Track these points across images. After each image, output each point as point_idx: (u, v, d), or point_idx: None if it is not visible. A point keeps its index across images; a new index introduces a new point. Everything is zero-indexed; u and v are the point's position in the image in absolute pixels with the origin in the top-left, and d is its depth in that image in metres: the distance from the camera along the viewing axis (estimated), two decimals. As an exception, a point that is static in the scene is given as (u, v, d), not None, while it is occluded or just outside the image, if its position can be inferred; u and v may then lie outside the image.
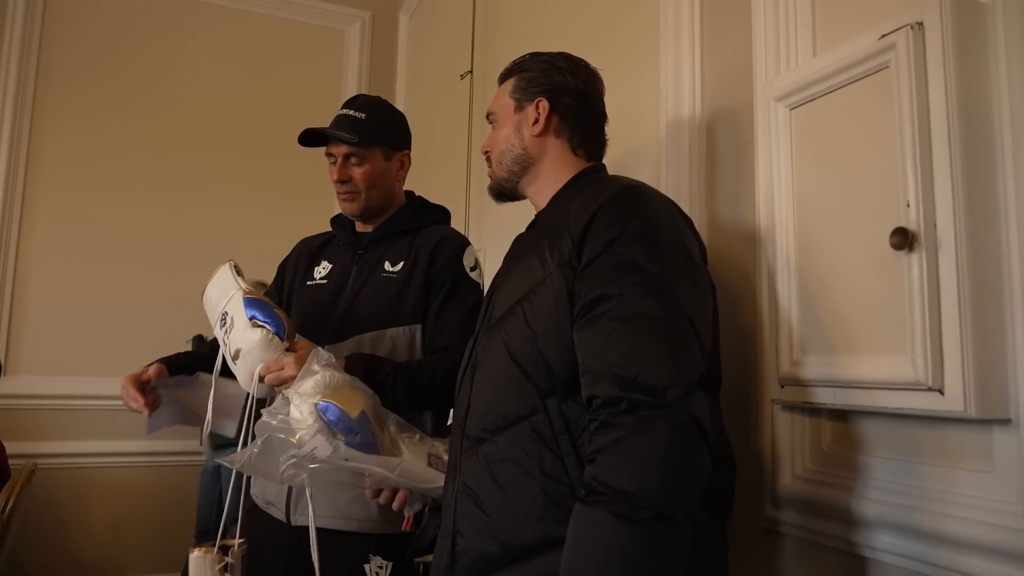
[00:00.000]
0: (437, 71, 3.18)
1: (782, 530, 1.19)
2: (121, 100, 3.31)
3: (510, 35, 2.47)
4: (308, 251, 1.72)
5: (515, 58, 1.25)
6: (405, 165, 1.68)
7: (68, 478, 3.05)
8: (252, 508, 1.52)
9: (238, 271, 1.41)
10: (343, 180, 1.57)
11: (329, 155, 1.60)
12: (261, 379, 1.26)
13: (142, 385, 1.42)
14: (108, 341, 3.17)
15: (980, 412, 0.87)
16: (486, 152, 1.26)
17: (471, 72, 2.72)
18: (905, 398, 0.95)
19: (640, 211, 1.00)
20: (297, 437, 1.05)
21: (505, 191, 1.23)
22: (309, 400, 1.08)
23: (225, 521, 1.33)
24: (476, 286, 1.56)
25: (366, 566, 1.36)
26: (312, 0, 3.63)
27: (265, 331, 1.26)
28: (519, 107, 1.20)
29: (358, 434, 1.08)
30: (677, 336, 0.90)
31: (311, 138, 1.58)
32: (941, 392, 0.90)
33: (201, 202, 3.38)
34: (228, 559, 1.18)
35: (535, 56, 1.23)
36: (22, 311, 3.10)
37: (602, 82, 1.25)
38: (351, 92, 3.54)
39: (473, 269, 1.57)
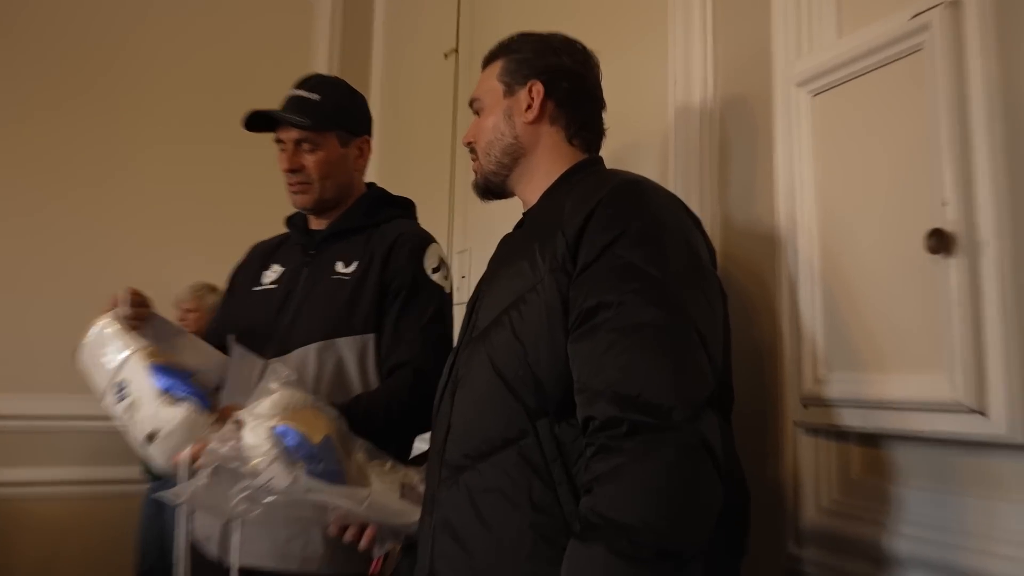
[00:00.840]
0: (418, 49, 3.18)
1: (805, 569, 1.18)
2: (49, 72, 3.24)
3: (501, 9, 2.47)
4: (259, 255, 1.72)
5: (502, 38, 1.25)
6: (365, 152, 1.67)
7: (-10, 511, 3.02)
8: (194, 548, 1.50)
9: (126, 324, 1.32)
10: (294, 169, 1.56)
11: (278, 141, 1.59)
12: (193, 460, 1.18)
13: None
14: (27, 351, 3.12)
15: (1029, 437, 0.87)
16: (469, 143, 1.26)
17: (456, 51, 2.72)
18: (942, 421, 0.96)
19: (642, 209, 1.00)
20: (251, 466, 1.05)
21: (492, 186, 1.24)
22: (265, 423, 1.08)
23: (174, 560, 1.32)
24: (439, 290, 1.56)
25: None
26: (276, -35, 3.63)
27: (187, 407, 1.19)
28: (509, 91, 1.20)
29: (321, 462, 1.07)
30: (684, 349, 0.91)
31: (259, 122, 1.58)
32: (983, 414, 0.91)
33: (148, 195, 3.34)
34: None
35: (525, 36, 1.24)
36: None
37: (599, 66, 1.25)
38: (321, 70, 3.53)
39: (436, 270, 1.57)
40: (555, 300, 0.98)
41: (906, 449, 1.06)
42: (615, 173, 1.12)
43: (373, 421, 1.35)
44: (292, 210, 1.71)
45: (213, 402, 1.24)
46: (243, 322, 1.61)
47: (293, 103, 1.56)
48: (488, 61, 1.26)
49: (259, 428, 1.08)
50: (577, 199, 1.04)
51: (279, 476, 1.04)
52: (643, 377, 0.88)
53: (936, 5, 0.98)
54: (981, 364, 0.91)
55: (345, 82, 1.69)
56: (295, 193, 1.59)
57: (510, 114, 1.19)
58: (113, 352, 1.27)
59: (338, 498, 1.08)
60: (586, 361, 0.92)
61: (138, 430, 1.21)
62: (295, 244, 1.67)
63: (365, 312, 1.50)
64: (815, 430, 1.18)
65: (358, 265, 1.54)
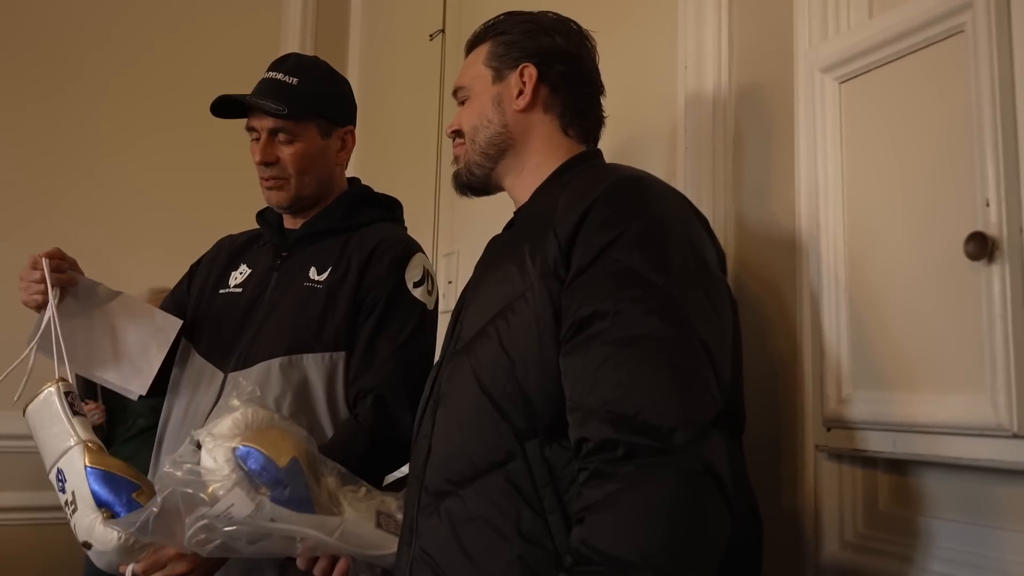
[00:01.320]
0: (400, 29, 3.18)
1: (826, 611, 1.17)
2: (7, 74, 3.22)
3: (493, -20, 2.46)
4: (227, 251, 1.69)
5: (487, 20, 1.24)
6: (348, 144, 1.65)
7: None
8: None
9: (71, 404, 1.31)
10: (268, 162, 1.52)
11: (250, 130, 1.56)
12: None
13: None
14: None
15: (1081, 465, 0.86)
16: (456, 131, 1.24)
17: (443, 31, 2.72)
18: (982, 446, 0.94)
19: (643, 208, 0.99)
20: (210, 492, 1.03)
21: (475, 180, 1.23)
22: (225, 444, 1.07)
23: None
24: (419, 307, 1.53)
25: None
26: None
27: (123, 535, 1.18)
28: (498, 76, 1.19)
29: (287, 487, 1.06)
30: (687, 364, 0.90)
31: (227, 107, 1.54)
32: (1030, 440, 0.89)
33: (100, 192, 3.31)
34: None
35: (513, 15, 1.23)
36: None
37: (596, 48, 1.25)
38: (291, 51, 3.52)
39: (419, 284, 1.54)
40: (546, 309, 0.97)
41: (940, 477, 1.05)
42: (614, 168, 1.11)
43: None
44: (263, 204, 1.68)
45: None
46: (203, 329, 1.58)
47: (267, 87, 1.53)
48: (473, 45, 1.25)
49: (218, 450, 1.06)
50: (572, 196, 1.03)
51: (240, 503, 1.02)
52: (642, 395, 0.87)
53: (980, -18, 0.96)
54: (1026, 384, 0.89)
55: (327, 64, 1.66)
56: (269, 189, 1.55)
57: (499, 101, 1.18)
58: (57, 435, 1.28)
59: (307, 527, 1.07)
60: (579, 377, 0.92)
61: (76, 530, 1.23)
62: (267, 243, 1.64)
63: (336, 326, 1.47)
64: (838, 455, 1.17)
65: (332, 272, 1.52)
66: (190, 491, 1.03)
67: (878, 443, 1.08)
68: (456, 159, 1.24)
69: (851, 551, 1.14)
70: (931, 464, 1.04)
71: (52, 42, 3.29)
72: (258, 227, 1.69)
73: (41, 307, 1.40)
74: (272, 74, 1.55)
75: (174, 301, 1.70)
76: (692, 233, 1.01)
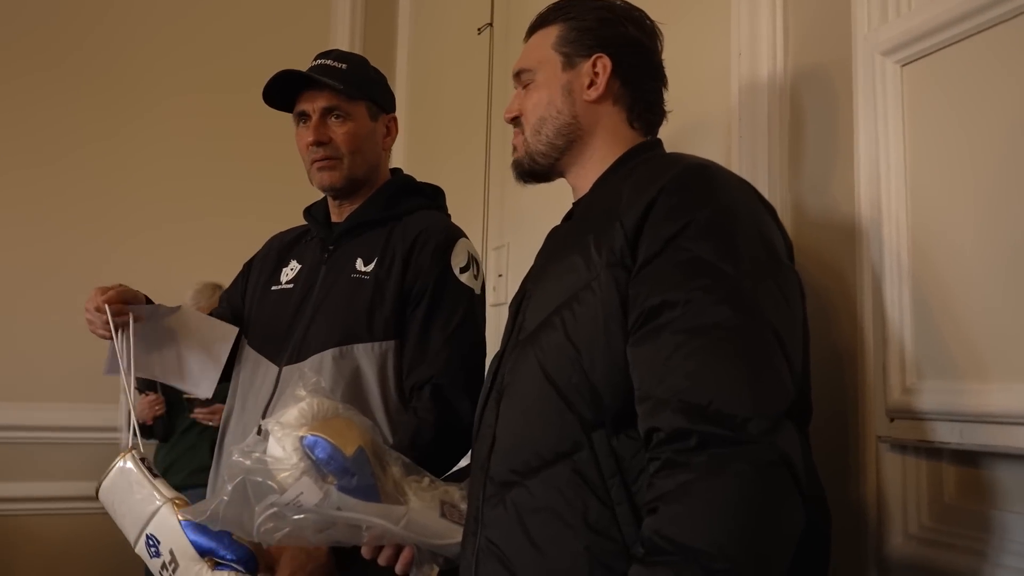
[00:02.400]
0: (448, 24, 3.19)
1: (890, 605, 1.16)
2: (41, 65, 3.30)
3: (540, -22, 2.46)
4: (277, 249, 1.72)
5: (554, 2, 1.22)
6: (392, 132, 1.67)
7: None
8: None
9: (148, 468, 1.31)
10: (321, 141, 1.54)
11: (301, 114, 1.58)
12: None
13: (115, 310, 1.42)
14: (30, 359, 3.19)
15: None
16: (514, 116, 1.23)
17: (491, 25, 2.71)
18: (1056, 437, 0.92)
19: (711, 196, 0.98)
20: (278, 480, 1.04)
21: (538, 168, 1.21)
22: (293, 433, 1.07)
23: None
24: (468, 292, 1.54)
25: None
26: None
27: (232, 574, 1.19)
28: (569, 64, 1.17)
29: (354, 476, 1.06)
30: (759, 353, 0.89)
31: (277, 95, 1.57)
32: (1104, 429, 0.87)
33: (153, 191, 3.39)
34: None
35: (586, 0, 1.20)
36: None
37: (663, 38, 1.23)
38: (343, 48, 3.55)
39: (465, 269, 1.55)
40: (613, 298, 0.97)
41: (1011, 469, 1.03)
42: (679, 157, 1.10)
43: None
44: (309, 200, 1.70)
45: (261, 559, 1.22)
46: (257, 325, 1.62)
47: (320, 70, 1.56)
48: (538, 26, 1.22)
49: (287, 439, 1.07)
50: (636, 185, 1.02)
51: (309, 491, 1.03)
52: (714, 384, 0.86)
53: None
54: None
55: (367, 59, 1.69)
56: (321, 170, 1.57)
57: (570, 90, 1.16)
58: (141, 500, 1.27)
59: (373, 516, 1.07)
60: (649, 366, 0.91)
61: None
62: (314, 238, 1.66)
63: (385, 316, 1.49)
64: (902, 446, 1.15)
65: (378, 263, 1.53)
66: (259, 479, 1.04)
67: (944, 434, 1.06)
68: (515, 148, 1.23)
69: (916, 544, 1.13)
70: (1001, 456, 1.02)
71: (112, 55, 3.39)
72: (305, 223, 1.72)
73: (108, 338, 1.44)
74: (320, 61, 1.58)
75: (230, 299, 1.75)
76: (761, 222, 1.00)
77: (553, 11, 1.21)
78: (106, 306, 1.40)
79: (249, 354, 1.59)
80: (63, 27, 3.35)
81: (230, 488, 1.05)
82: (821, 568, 1.01)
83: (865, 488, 1.20)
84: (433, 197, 1.71)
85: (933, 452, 1.12)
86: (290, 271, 1.65)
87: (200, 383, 1.57)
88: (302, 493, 1.02)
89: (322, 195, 1.68)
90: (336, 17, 3.67)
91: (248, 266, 1.76)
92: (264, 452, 1.07)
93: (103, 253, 3.28)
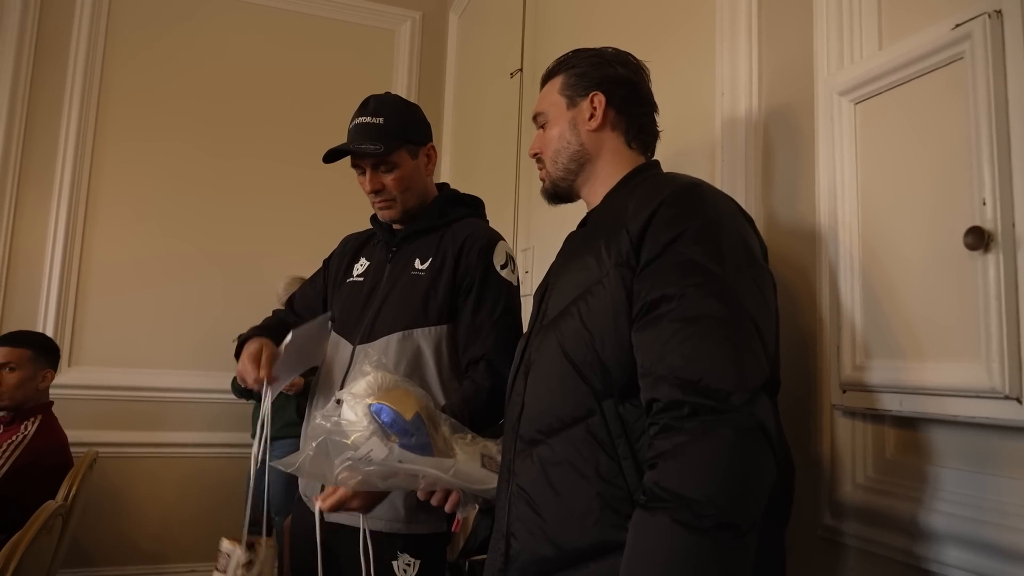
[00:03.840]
0: (486, 69, 3.18)
1: (842, 540, 1.15)
2: (180, 101, 3.40)
3: (561, 32, 2.45)
4: (351, 247, 1.72)
5: (559, 57, 1.22)
6: (432, 158, 1.64)
7: (126, 467, 3.15)
8: (299, 500, 1.55)
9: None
10: (376, 190, 1.54)
11: (356, 167, 1.57)
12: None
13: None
14: (165, 334, 3.28)
15: (1063, 423, 0.83)
16: (536, 154, 1.23)
17: (521, 70, 2.70)
18: (979, 406, 0.91)
19: (701, 210, 0.97)
20: (352, 439, 1.05)
21: (561, 191, 1.20)
22: (362, 401, 1.08)
23: (271, 513, 1.34)
24: (508, 285, 1.53)
25: (394, 563, 1.36)
26: (364, 1, 3.67)
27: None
28: (572, 103, 1.17)
29: (413, 436, 1.07)
30: (741, 338, 0.88)
31: (336, 153, 1.56)
32: (1019, 400, 0.86)
33: (254, 202, 3.46)
34: (252, 555, 1.18)
35: (580, 52, 1.21)
36: (85, 304, 3.21)
37: (648, 72, 1.22)
38: (401, 91, 3.57)
39: (504, 266, 1.53)
40: (620, 292, 0.96)
41: (942, 432, 1.02)
42: (675, 176, 1.09)
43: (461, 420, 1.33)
44: (369, 210, 1.70)
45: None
46: (337, 310, 1.62)
47: (361, 131, 1.53)
48: (548, 77, 1.23)
49: (358, 406, 1.07)
50: (640, 200, 1.01)
51: (377, 449, 1.03)
52: (704, 364, 0.86)
53: (979, 16, 0.92)
54: (1017, 354, 0.87)
55: (399, 96, 1.65)
56: (381, 209, 1.58)
57: (575, 124, 1.16)
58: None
59: (428, 467, 1.07)
60: (650, 348, 0.90)
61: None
62: (380, 241, 1.66)
63: (439, 306, 1.49)
64: (852, 413, 1.14)
65: (432, 262, 1.52)
66: (337, 438, 1.05)
67: (889, 403, 1.05)
68: (543, 180, 1.23)
69: (862, 491, 1.12)
70: (934, 420, 1.01)
71: (222, 101, 3.47)
72: (372, 227, 1.71)
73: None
74: (360, 119, 1.54)
75: (313, 286, 1.74)
76: (742, 231, 0.99)
77: (557, 64, 1.21)
78: (265, 381, 1.39)
79: (332, 335, 1.60)
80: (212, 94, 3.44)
81: (314, 445, 1.06)
82: (785, 511, 1.01)
83: (822, 447, 1.19)
84: (475, 207, 1.70)
85: (877, 418, 1.11)
86: (360, 266, 1.64)
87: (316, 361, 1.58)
88: (372, 450, 1.03)
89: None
90: (397, 67, 3.71)
91: (328, 261, 1.75)
92: (340, 416, 1.08)
93: (224, 259, 3.39)
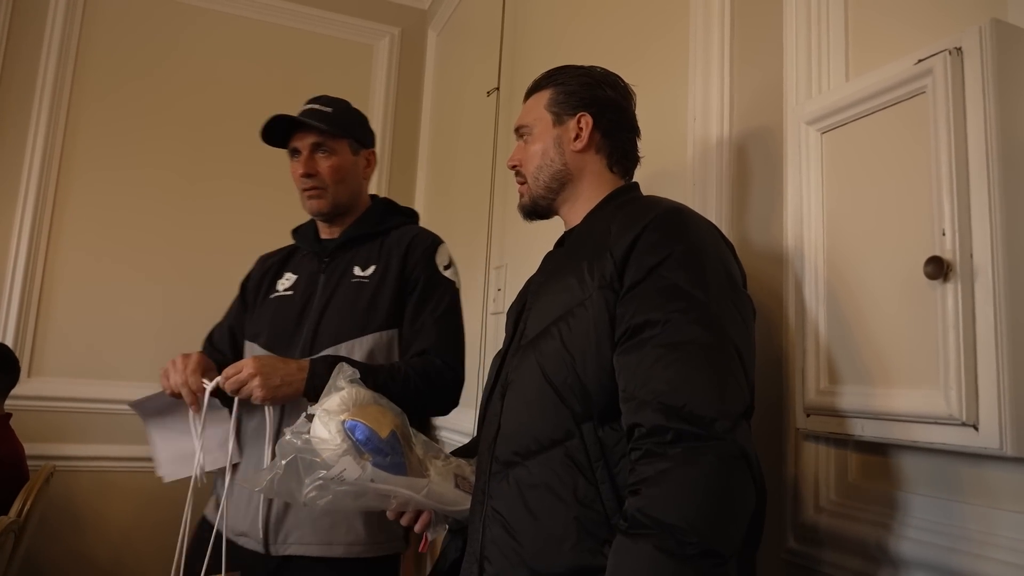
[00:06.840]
0: (464, 87, 3.18)
1: (804, 563, 1.15)
2: (152, 111, 3.34)
3: (538, 52, 2.47)
4: (273, 264, 1.68)
5: (546, 70, 1.22)
6: (371, 164, 1.64)
7: (86, 481, 3.05)
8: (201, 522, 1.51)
9: None
10: (310, 173, 1.52)
11: (293, 150, 1.55)
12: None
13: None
14: (129, 346, 3.19)
15: (1017, 450, 0.84)
16: (515, 166, 1.21)
17: (498, 89, 2.71)
18: (938, 432, 0.93)
19: (684, 235, 0.97)
20: (324, 458, 1.02)
21: (539, 209, 1.20)
22: (336, 418, 1.06)
23: (186, 549, 1.30)
24: (451, 285, 1.53)
25: None
26: (343, 16, 3.66)
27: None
28: (558, 121, 1.16)
29: (388, 455, 1.05)
30: (724, 366, 0.88)
31: (273, 137, 1.54)
32: (976, 428, 0.88)
33: (224, 211, 3.40)
34: None
35: (571, 68, 1.19)
36: (47, 314, 3.12)
37: (635, 96, 1.22)
38: (379, 106, 3.56)
39: (447, 267, 1.54)
40: (603, 315, 0.95)
41: (903, 457, 1.03)
42: (658, 200, 1.08)
43: (390, 386, 1.31)
44: (296, 221, 1.68)
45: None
46: (263, 326, 1.56)
47: (309, 113, 1.54)
48: (533, 90, 1.20)
49: (331, 423, 1.06)
50: (623, 223, 1.01)
51: (350, 468, 1.01)
52: (688, 390, 0.85)
53: (940, 52, 0.95)
54: (974, 382, 0.88)
55: (350, 102, 1.66)
56: (310, 198, 1.55)
57: (559, 142, 1.15)
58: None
59: (401, 488, 1.06)
60: (633, 372, 0.89)
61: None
62: (306, 253, 1.63)
63: (387, 309, 1.47)
64: (816, 437, 1.15)
65: (376, 267, 1.51)
66: (308, 457, 1.02)
67: (851, 428, 1.06)
68: (521, 195, 1.21)
69: (825, 515, 1.13)
70: (896, 446, 1.02)
71: (194, 113, 3.41)
72: (290, 244, 1.69)
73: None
74: (310, 105, 1.56)
75: (235, 315, 1.69)
76: (724, 256, 0.99)
77: (545, 78, 1.20)
78: (204, 387, 1.34)
79: (258, 352, 1.52)
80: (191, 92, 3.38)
81: (283, 464, 1.03)
82: (757, 536, 1.00)
83: (786, 470, 1.20)
84: (411, 216, 1.69)
85: (841, 442, 1.12)
86: (286, 281, 1.60)
87: (218, 459, 1.45)
88: (345, 469, 1.01)
89: (308, 218, 1.67)
90: (375, 82, 3.68)
91: (245, 283, 1.71)
92: (311, 433, 1.05)
93: (191, 270, 3.32)
